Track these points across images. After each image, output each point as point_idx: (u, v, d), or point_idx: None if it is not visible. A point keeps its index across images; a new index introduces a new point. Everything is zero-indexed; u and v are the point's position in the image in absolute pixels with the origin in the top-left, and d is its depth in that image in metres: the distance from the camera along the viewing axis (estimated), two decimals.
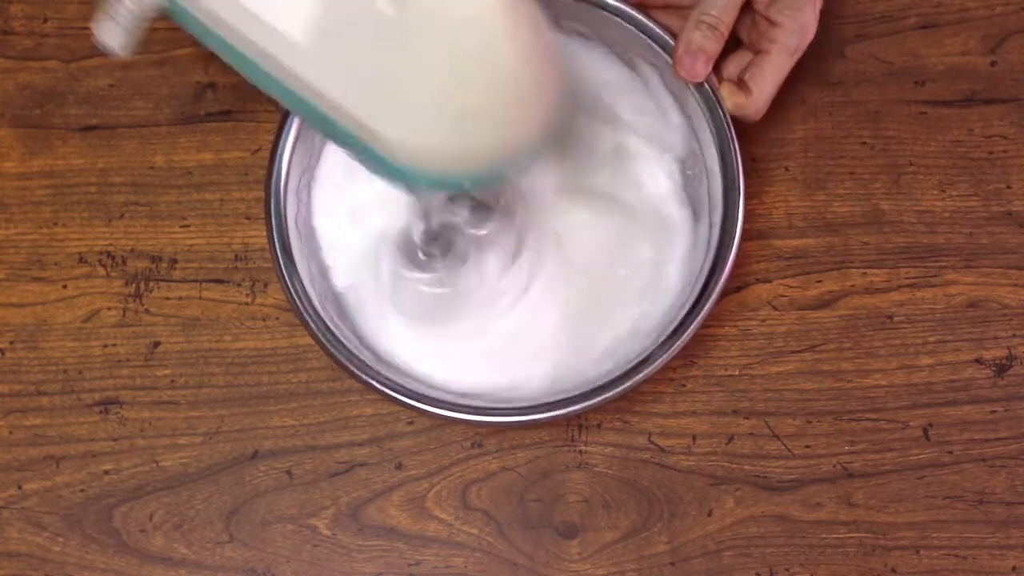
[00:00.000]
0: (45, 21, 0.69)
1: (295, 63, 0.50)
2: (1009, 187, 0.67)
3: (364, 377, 0.60)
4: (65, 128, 0.68)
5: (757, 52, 0.62)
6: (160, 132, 0.68)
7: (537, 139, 0.53)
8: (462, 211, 0.63)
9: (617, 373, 0.60)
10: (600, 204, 0.65)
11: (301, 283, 0.61)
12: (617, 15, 0.63)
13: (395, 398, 0.60)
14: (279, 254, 0.61)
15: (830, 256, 0.66)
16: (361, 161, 0.54)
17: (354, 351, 0.61)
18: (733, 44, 0.63)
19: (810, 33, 0.62)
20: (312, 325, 0.60)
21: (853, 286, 0.66)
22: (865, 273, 0.66)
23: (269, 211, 0.62)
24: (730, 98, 0.62)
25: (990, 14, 0.68)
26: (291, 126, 0.62)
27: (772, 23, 0.61)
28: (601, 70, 0.66)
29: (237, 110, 0.68)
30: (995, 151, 0.67)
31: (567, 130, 0.60)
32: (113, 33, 0.53)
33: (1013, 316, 0.65)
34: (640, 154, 0.65)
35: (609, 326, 0.63)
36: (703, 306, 0.60)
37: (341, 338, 0.61)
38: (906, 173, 0.67)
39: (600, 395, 0.59)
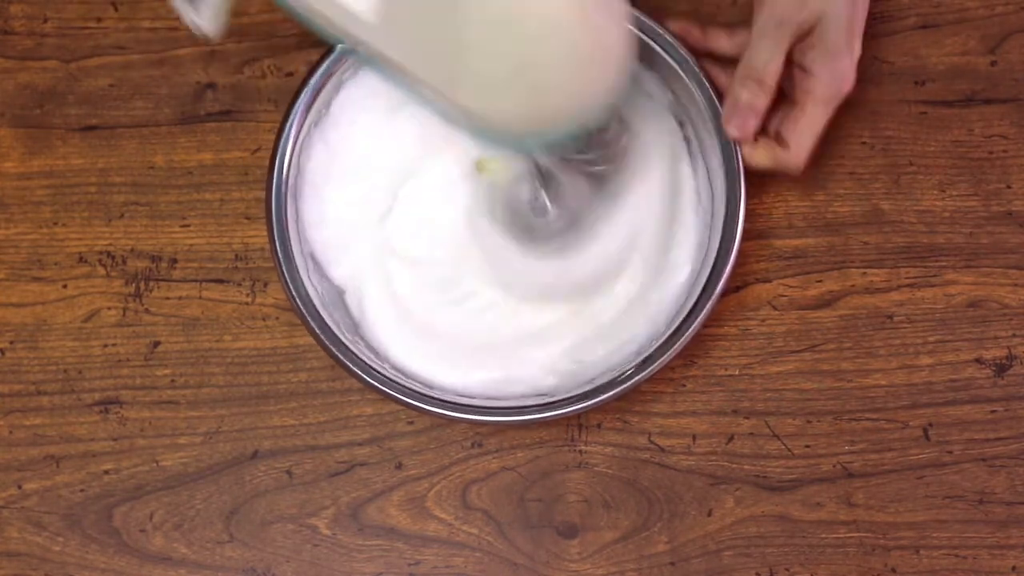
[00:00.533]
0: (45, 21, 0.69)
1: (371, 38, 0.52)
2: (1009, 187, 0.67)
3: (363, 376, 0.60)
4: (65, 128, 0.68)
5: (793, 103, 0.61)
6: (160, 132, 0.68)
7: (606, 97, 0.53)
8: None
9: (617, 373, 0.60)
10: (617, 194, 0.64)
11: (301, 282, 0.61)
12: None
13: (395, 397, 0.60)
14: (279, 253, 0.61)
15: (830, 256, 0.66)
16: (447, 122, 0.55)
17: (354, 350, 0.61)
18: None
19: (847, 83, 0.60)
20: (312, 323, 0.60)
21: (853, 286, 0.66)
22: (865, 273, 0.66)
23: (270, 210, 0.62)
24: (768, 153, 0.61)
25: (990, 14, 0.68)
26: (291, 126, 0.62)
27: (806, 71, 0.60)
28: None
29: (237, 110, 0.68)
30: (995, 151, 0.67)
31: (633, 85, 0.59)
32: (202, 14, 0.56)
33: (1013, 316, 0.65)
34: (648, 140, 0.64)
35: (619, 323, 0.63)
36: (703, 306, 0.60)
37: (341, 337, 0.61)
38: (906, 173, 0.67)
39: (600, 395, 0.59)
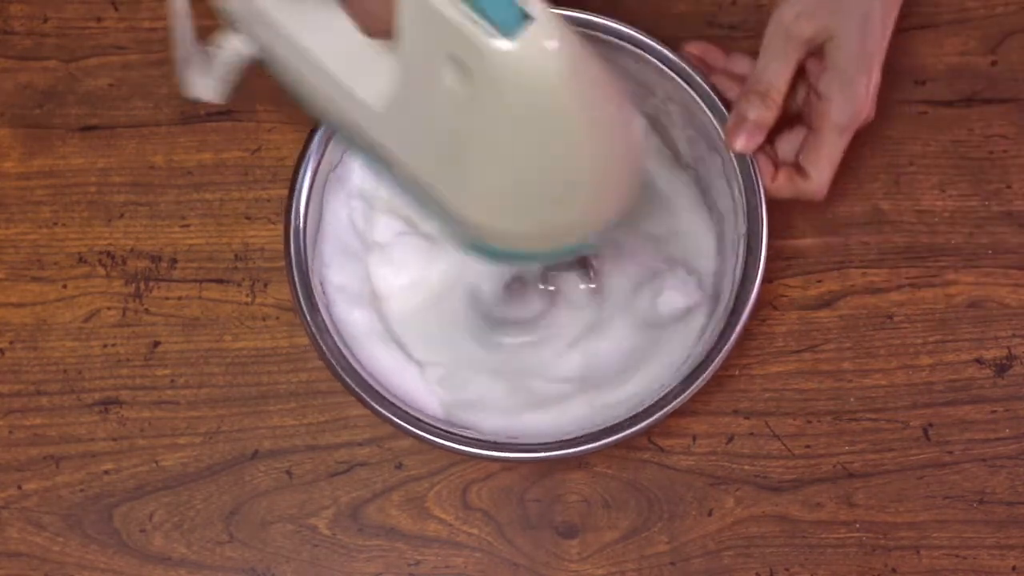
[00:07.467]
0: (45, 21, 0.69)
1: (374, 128, 0.50)
2: (1009, 187, 0.67)
3: (376, 406, 0.60)
4: (65, 128, 0.68)
5: (810, 128, 0.60)
6: (160, 132, 0.68)
7: (614, 213, 0.51)
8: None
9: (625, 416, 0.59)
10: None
11: (326, 326, 0.60)
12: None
13: (413, 432, 0.59)
14: (300, 297, 0.61)
15: (830, 256, 0.66)
16: (439, 229, 0.53)
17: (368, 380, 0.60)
18: (791, 119, 0.61)
19: (862, 110, 0.58)
20: (333, 362, 0.60)
21: (853, 286, 0.66)
22: (865, 273, 0.66)
23: (289, 257, 0.61)
24: (789, 185, 0.60)
25: (990, 14, 0.68)
26: (308, 163, 0.62)
27: (821, 96, 0.59)
28: None
29: (237, 110, 0.68)
30: (995, 151, 0.67)
31: (642, 200, 0.56)
32: (206, 85, 0.54)
33: (1013, 316, 0.65)
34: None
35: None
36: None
37: (355, 367, 0.60)
38: (906, 173, 0.67)
39: (605, 437, 0.59)
